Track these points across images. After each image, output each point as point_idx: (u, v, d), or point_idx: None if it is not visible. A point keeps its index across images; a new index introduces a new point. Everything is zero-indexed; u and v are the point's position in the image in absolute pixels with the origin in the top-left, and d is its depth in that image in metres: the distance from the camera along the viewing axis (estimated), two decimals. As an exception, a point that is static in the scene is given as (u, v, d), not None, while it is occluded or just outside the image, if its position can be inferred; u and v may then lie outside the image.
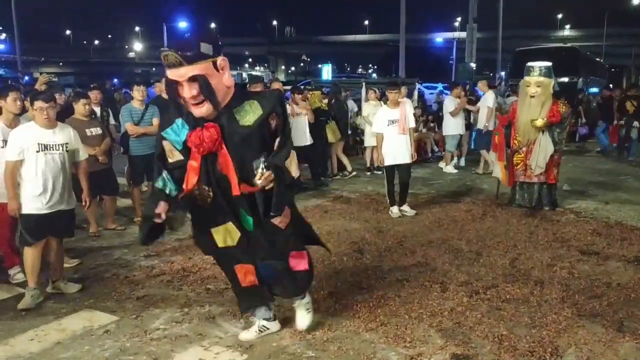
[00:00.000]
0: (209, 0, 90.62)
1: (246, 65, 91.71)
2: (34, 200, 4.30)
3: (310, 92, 9.27)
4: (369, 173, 10.14)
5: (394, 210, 7.07)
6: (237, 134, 3.03)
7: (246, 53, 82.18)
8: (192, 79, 2.88)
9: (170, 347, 3.67)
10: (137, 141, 6.69)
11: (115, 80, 39.59)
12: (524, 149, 7.06)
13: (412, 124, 7.18)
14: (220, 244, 3.31)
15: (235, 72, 70.40)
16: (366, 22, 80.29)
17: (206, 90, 2.91)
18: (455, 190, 8.82)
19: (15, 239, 4.82)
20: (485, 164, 9.98)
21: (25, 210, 4.32)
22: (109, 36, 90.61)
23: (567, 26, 66.99)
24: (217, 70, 2.95)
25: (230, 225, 3.22)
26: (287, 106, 7.80)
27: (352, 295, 4.47)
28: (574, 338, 3.72)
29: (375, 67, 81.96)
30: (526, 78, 7.06)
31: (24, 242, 4.37)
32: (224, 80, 2.99)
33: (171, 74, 2.91)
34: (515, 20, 48.76)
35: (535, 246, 5.75)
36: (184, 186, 3.13)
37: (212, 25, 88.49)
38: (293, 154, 3.21)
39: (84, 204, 4.76)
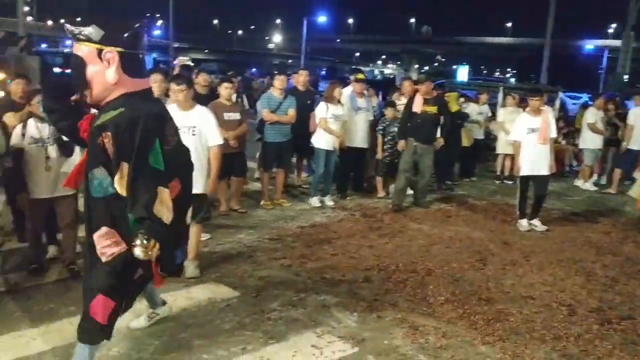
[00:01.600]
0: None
1: (379, 62, 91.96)
2: None
3: (447, 94, 9.02)
4: (498, 182, 9.72)
5: (523, 223, 6.71)
6: (92, 135, 2.61)
7: (382, 50, 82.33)
8: (73, 58, 2.63)
9: (285, 329, 3.79)
10: (271, 128, 6.96)
11: (254, 69, 41.63)
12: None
13: (554, 134, 6.75)
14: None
15: (367, 69, 70.97)
16: (509, 24, 76.85)
17: (75, 73, 2.61)
18: (592, 209, 8.17)
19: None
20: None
21: None
22: (252, 27, 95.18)
23: None
24: (101, 60, 2.58)
25: None
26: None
27: (470, 305, 4.32)
28: None
29: (514, 71, 78.22)
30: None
31: None
32: (106, 74, 2.57)
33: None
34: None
35: (683, 280, 5.17)
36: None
37: (350, 20, 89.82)
38: (160, 191, 2.50)
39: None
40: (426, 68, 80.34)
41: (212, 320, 3.88)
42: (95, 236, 2.60)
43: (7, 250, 5.03)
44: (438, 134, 7.54)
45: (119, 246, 2.58)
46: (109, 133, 2.47)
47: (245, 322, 3.86)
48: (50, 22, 63.77)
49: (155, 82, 5.41)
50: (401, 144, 7.38)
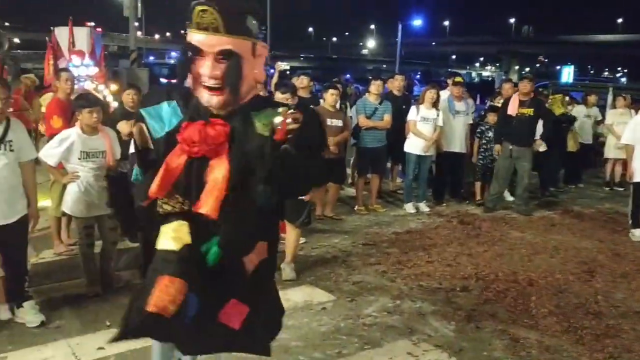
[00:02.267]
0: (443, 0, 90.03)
1: (476, 64, 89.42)
2: None
3: (551, 97, 8.62)
4: (607, 188, 9.12)
5: (637, 233, 6.23)
6: (250, 143, 2.06)
7: (479, 52, 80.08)
8: (224, 55, 2.01)
9: (380, 335, 3.77)
10: (367, 134, 6.97)
11: (348, 75, 41.91)
12: None
13: (673, 138, 6.24)
14: (158, 246, 2.07)
15: (463, 71, 69.23)
16: (619, 20, 72.00)
17: (234, 75, 2.03)
18: None
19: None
20: None
21: None
22: (346, 33, 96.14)
23: None
24: (254, 57, 2.11)
25: (183, 225, 2.08)
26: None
27: (576, 319, 4.08)
28: None
29: (625, 70, 73.11)
30: None
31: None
32: (257, 71, 2.13)
33: (197, 38, 2.01)
34: None
35: None
36: (151, 190, 2.09)
37: (445, 23, 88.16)
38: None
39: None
40: (527, 69, 77.14)
41: (309, 322, 3.94)
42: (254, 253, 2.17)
43: (120, 249, 5.40)
44: (538, 137, 7.22)
45: (261, 256, 2.19)
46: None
47: (341, 326, 3.89)
48: (157, 36, 67.95)
49: None
50: (497, 147, 7.19)
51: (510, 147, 7.08)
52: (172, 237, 2.04)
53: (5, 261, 3.76)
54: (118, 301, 4.20)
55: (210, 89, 2.03)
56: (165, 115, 2.15)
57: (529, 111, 7.08)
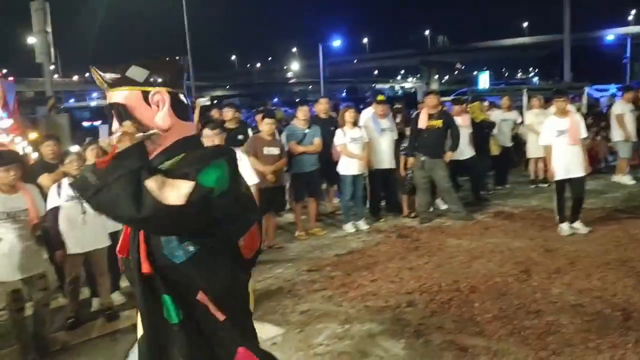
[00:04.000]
0: (361, 18, 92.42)
1: (398, 77, 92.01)
2: None
3: (470, 105, 8.98)
4: (533, 186, 9.54)
5: (564, 227, 6.54)
6: None
7: (400, 65, 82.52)
8: (112, 107, 2.06)
9: (333, 364, 3.75)
10: (299, 159, 6.99)
11: (275, 99, 42.17)
12: None
13: (584, 134, 6.62)
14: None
15: (387, 85, 71.06)
16: (525, 24, 76.23)
17: (120, 118, 2.03)
18: (634, 203, 7.94)
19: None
20: None
21: None
22: (269, 58, 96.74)
23: None
24: (149, 105, 2.05)
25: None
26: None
27: (519, 320, 4.21)
28: None
29: (537, 70, 77.27)
30: None
31: None
32: (156, 119, 2.02)
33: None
34: None
35: None
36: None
37: (364, 40, 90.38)
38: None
39: None
40: (446, 78, 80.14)
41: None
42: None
43: (53, 308, 5.13)
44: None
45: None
46: None
47: (293, 360, 3.84)
48: (75, 77, 65.86)
49: None
50: (410, 160, 7.49)
51: (422, 158, 7.38)
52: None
53: None
54: (56, 366, 3.98)
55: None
56: None
57: (438, 123, 7.44)
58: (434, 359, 3.72)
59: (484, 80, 33.42)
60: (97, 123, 18.49)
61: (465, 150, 8.28)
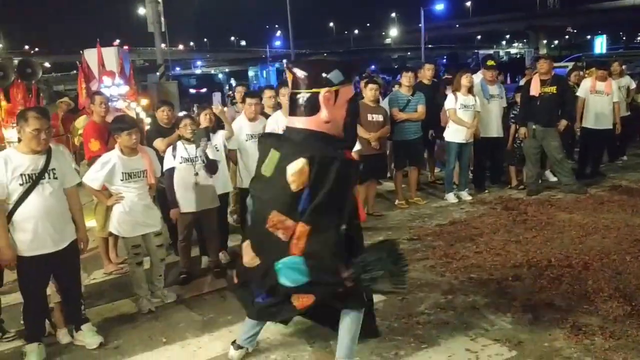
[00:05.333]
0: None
1: (503, 42, 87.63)
2: None
3: (587, 70, 8.31)
4: (655, 159, 8.79)
5: (692, 204, 6.00)
6: None
7: (505, 29, 78.49)
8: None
9: (436, 333, 3.70)
10: (401, 126, 6.87)
11: (373, 66, 41.60)
12: None
13: None
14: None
15: (491, 51, 67.83)
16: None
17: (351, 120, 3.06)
18: None
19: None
20: None
21: None
22: (368, 24, 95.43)
23: None
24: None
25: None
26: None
27: (638, 301, 3.92)
28: None
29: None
30: None
31: None
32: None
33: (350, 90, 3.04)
34: None
35: None
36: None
37: (467, 3, 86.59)
38: None
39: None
40: (555, 42, 75.18)
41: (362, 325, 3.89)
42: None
43: (168, 264, 5.47)
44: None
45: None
46: None
47: (395, 327, 3.83)
48: (181, 46, 68.76)
49: (268, 98, 5.98)
50: (521, 130, 7.07)
51: (534, 126, 6.96)
52: None
53: (61, 287, 3.84)
54: (171, 318, 4.25)
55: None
56: None
57: (552, 89, 6.95)
58: (544, 336, 3.56)
59: (599, 44, 30.83)
60: (202, 90, 19.19)
61: (605, 119, 7.75)
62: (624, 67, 9.30)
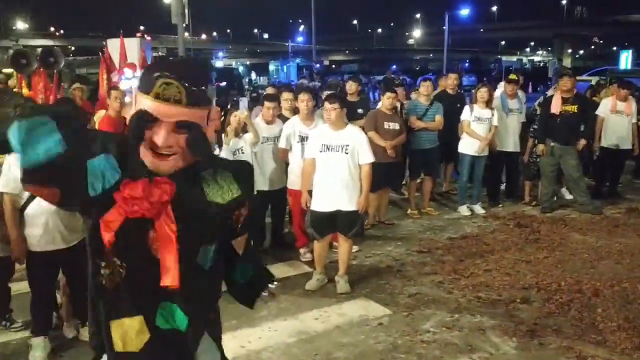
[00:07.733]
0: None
1: (527, 49, 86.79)
2: (316, 197, 4.68)
3: (606, 89, 8.20)
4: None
5: None
6: (199, 208, 1.90)
7: (531, 36, 77.68)
8: (182, 126, 1.82)
9: (440, 354, 3.68)
10: (418, 135, 6.82)
11: (394, 67, 41.42)
12: None
13: None
14: (117, 347, 1.87)
15: (514, 58, 67.22)
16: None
17: (196, 146, 1.85)
18: None
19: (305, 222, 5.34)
20: None
21: (313, 207, 4.71)
22: (391, 24, 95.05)
23: None
24: (207, 123, 1.94)
25: (137, 320, 1.87)
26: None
27: (648, 333, 3.87)
28: None
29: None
30: None
31: (312, 237, 4.86)
32: (209, 135, 1.94)
33: (155, 108, 1.79)
34: None
35: None
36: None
37: (493, 8, 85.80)
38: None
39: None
40: (581, 52, 74.32)
41: (365, 339, 3.89)
42: None
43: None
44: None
45: None
46: (248, 202, 1.98)
47: (398, 344, 3.81)
48: (204, 36, 69.02)
49: (286, 100, 5.99)
50: (540, 147, 6.98)
51: (552, 144, 6.88)
52: (126, 337, 1.84)
53: (70, 281, 3.87)
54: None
55: (159, 155, 1.80)
56: (103, 170, 1.82)
57: (573, 108, 6.83)
58: (549, 364, 3.53)
59: (625, 59, 30.22)
60: (222, 84, 19.05)
61: (624, 140, 7.64)
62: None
